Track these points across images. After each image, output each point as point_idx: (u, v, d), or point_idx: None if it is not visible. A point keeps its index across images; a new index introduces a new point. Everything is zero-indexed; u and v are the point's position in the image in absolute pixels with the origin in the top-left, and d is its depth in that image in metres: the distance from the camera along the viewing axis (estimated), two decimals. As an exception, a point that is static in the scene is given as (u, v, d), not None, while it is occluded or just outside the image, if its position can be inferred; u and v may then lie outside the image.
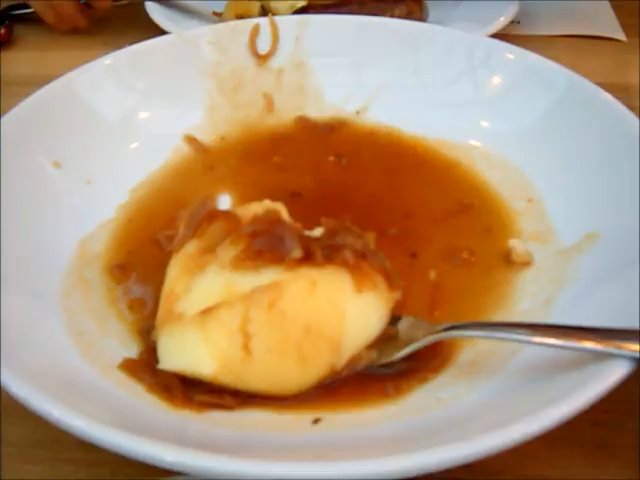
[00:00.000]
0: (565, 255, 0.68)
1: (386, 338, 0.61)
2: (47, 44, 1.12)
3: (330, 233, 0.62)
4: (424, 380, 0.59)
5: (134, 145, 0.80)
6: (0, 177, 0.69)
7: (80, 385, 0.55)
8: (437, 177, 0.78)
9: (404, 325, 0.62)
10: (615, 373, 0.50)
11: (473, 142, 0.81)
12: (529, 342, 0.55)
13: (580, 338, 0.53)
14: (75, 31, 1.13)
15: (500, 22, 1.00)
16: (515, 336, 0.56)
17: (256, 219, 0.62)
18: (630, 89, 0.84)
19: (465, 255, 0.70)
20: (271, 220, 0.62)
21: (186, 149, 0.82)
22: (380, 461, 0.46)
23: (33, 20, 1.15)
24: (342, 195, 0.75)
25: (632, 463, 0.58)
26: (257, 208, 0.64)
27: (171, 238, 0.66)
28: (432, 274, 0.68)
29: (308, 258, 0.60)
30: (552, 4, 1.12)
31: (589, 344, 0.52)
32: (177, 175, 0.79)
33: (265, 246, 0.60)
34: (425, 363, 0.61)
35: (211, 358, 0.57)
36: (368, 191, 0.76)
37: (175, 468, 0.46)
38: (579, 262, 0.66)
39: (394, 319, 0.62)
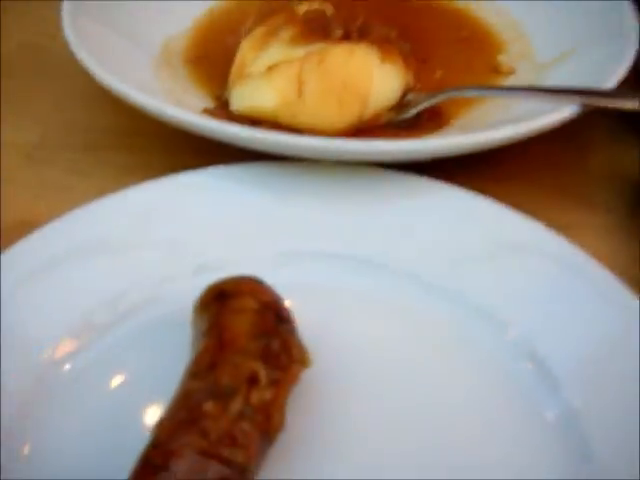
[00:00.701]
0: (543, 67, 0.88)
1: (401, 105, 0.82)
2: None
3: (364, 23, 0.83)
4: (428, 132, 0.80)
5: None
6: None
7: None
8: (446, 17, 0.99)
9: (415, 97, 0.83)
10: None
11: None
12: (512, 96, 0.77)
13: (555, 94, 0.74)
14: None
15: None
16: (502, 92, 0.77)
17: (309, 11, 0.83)
18: None
19: (463, 65, 0.91)
20: (320, 12, 0.83)
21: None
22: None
23: None
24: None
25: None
26: (310, 5, 0.85)
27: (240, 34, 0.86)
28: (438, 74, 0.89)
29: (347, 38, 0.81)
30: None
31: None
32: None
33: (316, 28, 0.81)
34: (430, 123, 0.81)
35: (273, 96, 0.77)
36: (388, 16, 0.95)
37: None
38: (554, 72, 0.87)
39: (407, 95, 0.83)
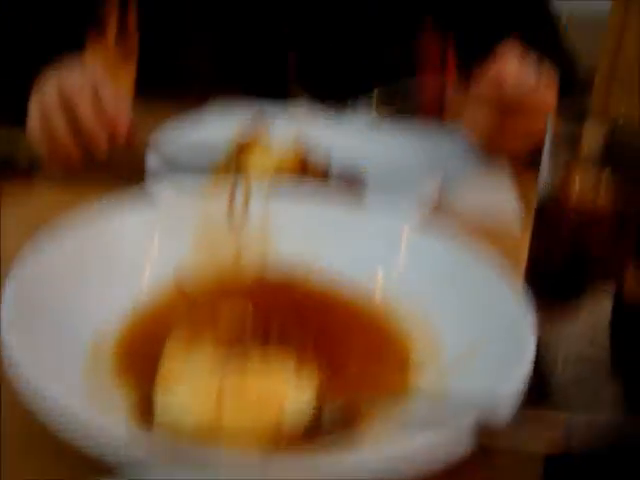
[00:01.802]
0: (449, 365, 0.96)
1: (315, 416, 0.87)
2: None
3: (282, 326, 0.90)
4: (340, 438, 0.85)
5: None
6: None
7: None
8: (361, 319, 1.07)
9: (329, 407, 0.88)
10: None
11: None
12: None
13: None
14: (67, 171, 1.33)
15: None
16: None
17: (231, 313, 0.91)
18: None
19: (376, 364, 0.98)
20: (241, 314, 0.90)
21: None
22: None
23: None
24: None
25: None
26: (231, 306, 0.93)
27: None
28: (352, 372, 0.95)
29: (265, 341, 0.88)
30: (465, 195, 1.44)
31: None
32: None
33: (236, 330, 0.89)
34: (341, 428, 0.87)
35: (192, 413, 0.82)
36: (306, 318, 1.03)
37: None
38: (459, 370, 0.94)
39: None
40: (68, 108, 1.25)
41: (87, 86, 1.22)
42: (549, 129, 1.03)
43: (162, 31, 1.53)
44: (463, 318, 1.01)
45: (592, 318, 0.95)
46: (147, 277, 1.08)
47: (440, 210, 1.34)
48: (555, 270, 1.09)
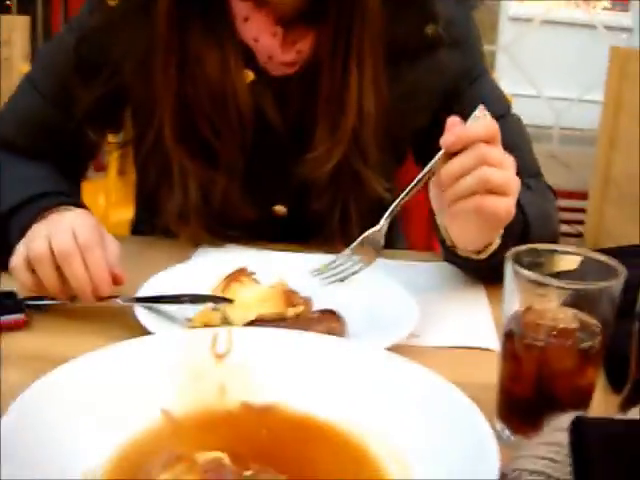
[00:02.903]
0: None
1: None
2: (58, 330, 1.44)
3: (257, 471, 0.95)
4: None
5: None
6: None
7: None
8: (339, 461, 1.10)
9: None
10: None
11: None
12: None
13: None
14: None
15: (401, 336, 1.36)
16: None
17: (207, 461, 0.95)
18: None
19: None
20: (217, 462, 0.95)
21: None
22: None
23: (47, 309, 1.47)
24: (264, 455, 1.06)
25: None
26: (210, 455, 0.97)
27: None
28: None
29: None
30: (443, 322, 1.49)
31: None
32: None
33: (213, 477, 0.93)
34: None
35: None
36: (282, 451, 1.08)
37: None
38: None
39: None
40: (57, 266, 1.33)
41: (76, 251, 1.30)
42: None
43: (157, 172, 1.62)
44: (433, 447, 1.06)
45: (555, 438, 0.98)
46: (134, 414, 1.13)
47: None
48: (523, 396, 1.15)
